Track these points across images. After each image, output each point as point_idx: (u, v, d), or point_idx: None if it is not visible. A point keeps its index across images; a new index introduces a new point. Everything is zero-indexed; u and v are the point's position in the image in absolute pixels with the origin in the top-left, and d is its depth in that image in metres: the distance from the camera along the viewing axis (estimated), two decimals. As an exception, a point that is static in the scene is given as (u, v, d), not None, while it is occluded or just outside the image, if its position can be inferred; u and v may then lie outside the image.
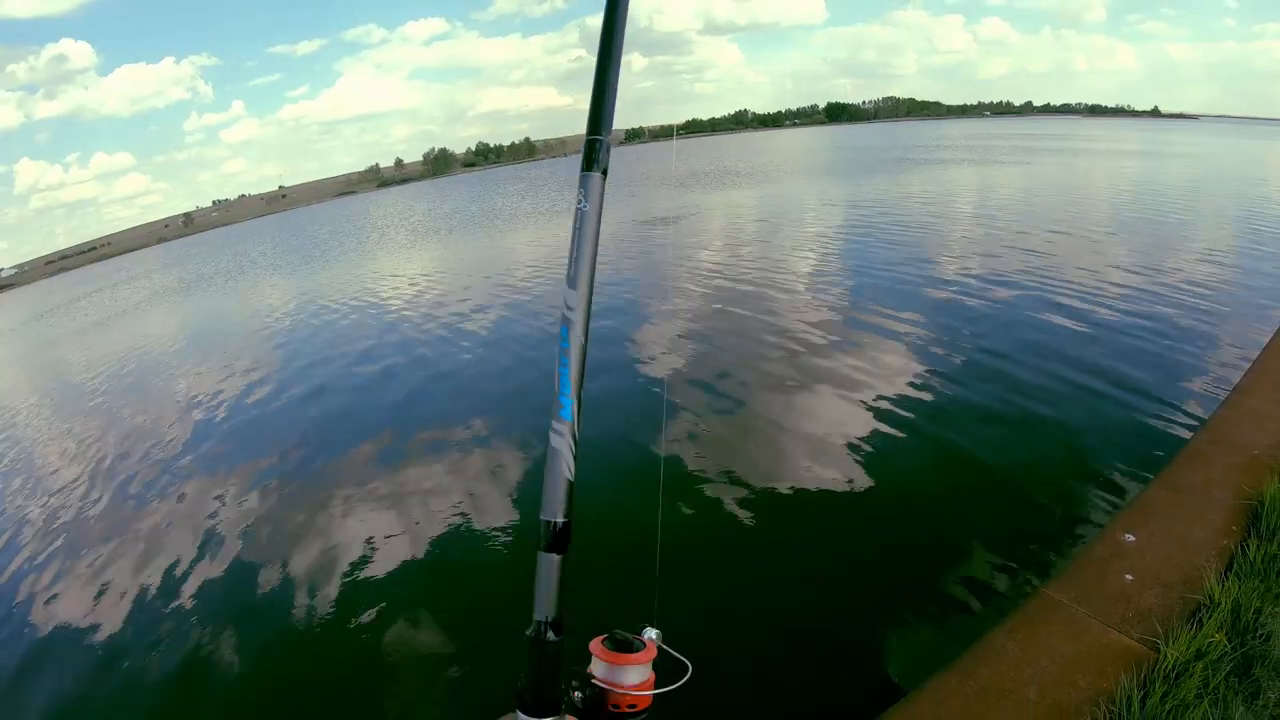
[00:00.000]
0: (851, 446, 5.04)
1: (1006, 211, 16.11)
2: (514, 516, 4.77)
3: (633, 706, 0.82)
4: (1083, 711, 2.30)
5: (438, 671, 3.51)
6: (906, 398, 5.74)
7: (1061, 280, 8.98)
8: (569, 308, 0.82)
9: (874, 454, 4.92)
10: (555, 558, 0.79)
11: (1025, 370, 6.07)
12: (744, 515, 4.37)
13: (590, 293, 0.83)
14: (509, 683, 0.77)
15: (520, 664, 0.77)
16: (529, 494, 5.02)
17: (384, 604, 4.06)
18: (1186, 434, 4.47)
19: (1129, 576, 3.02)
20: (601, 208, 0.84)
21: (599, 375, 6.97)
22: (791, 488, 4.59)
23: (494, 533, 4.65)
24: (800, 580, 3.71)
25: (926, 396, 5.76)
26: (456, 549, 4.55)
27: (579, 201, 0.85)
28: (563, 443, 0.80)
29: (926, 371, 6.30)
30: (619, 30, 0.92)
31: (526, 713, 0.75)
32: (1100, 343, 6.58)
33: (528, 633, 0.78)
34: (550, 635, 0.78)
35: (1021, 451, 4.73)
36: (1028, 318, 7.52)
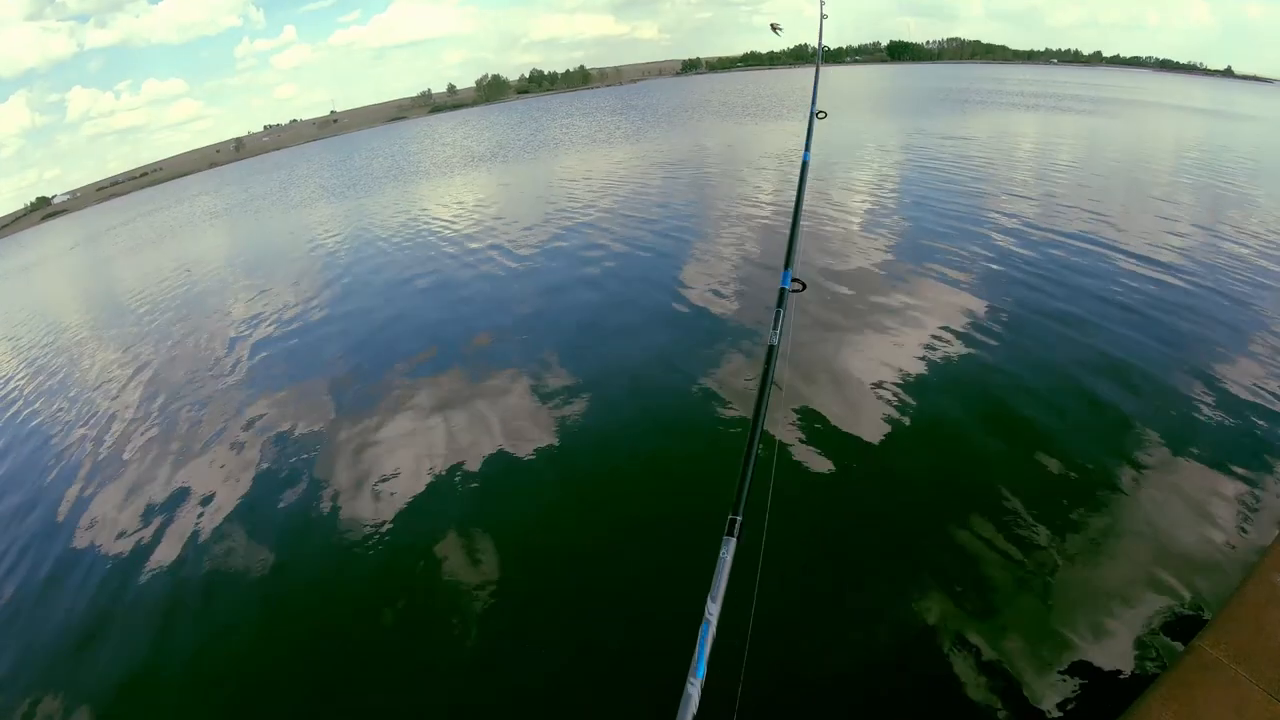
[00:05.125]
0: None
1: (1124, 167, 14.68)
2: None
3: None
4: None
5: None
6: (981, 380, 5.32)
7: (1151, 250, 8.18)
8: None
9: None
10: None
11: (1116, 347, 5.60)
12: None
13: None
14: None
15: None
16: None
17: (440, 524, 4.37)
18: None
19: (1289, 631, 2.76)
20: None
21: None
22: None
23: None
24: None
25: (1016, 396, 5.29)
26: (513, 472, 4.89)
27: None
28: None
29: (998, 354, 5.78)
30: None
31: None
32: (1195, 330, 5.99)
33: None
34: None
35: (1146, 462, 4.25)
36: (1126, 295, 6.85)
